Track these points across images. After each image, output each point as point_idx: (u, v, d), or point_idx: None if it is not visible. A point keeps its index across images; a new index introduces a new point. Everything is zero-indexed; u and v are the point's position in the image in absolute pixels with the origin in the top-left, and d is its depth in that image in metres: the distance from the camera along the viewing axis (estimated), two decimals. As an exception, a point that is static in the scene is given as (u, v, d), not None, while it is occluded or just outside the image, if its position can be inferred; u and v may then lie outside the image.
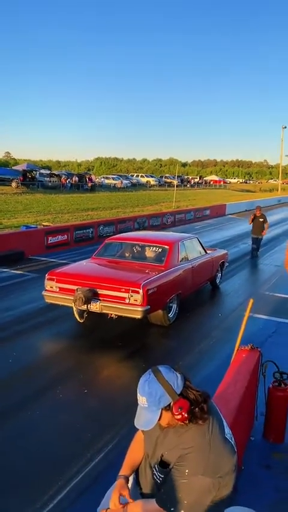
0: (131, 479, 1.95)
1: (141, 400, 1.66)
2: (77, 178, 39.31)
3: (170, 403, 1.64)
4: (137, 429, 2.06)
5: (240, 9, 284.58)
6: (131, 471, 1.96)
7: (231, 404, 2.71)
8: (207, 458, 1.64)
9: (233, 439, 1.81)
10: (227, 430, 1.80)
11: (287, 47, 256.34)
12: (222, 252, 8.78)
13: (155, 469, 1.79)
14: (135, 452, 1.98)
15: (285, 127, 54.52)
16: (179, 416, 1.63)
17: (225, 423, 1.81)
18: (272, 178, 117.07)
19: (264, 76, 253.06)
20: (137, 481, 1.96)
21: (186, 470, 1.64)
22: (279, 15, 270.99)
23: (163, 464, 1.75)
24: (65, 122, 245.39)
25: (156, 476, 1.79)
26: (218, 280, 8.43)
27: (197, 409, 1.64)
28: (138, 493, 1.92)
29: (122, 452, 2.10)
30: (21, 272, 9.35)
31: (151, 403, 1.64)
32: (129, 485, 1.95)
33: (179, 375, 1.68)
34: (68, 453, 3.33)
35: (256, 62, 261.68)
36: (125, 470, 1.97)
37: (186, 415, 1.63)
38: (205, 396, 1.71)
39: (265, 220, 11.77)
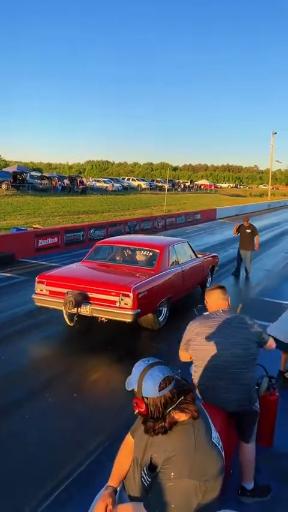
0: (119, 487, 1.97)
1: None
2: (68, 181, 39.23)
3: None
4: (126, 433, 2.08)
5: (234, 16, 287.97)
6: (118, 481, 1.98)
7: (221, 413, 2.72)
8: (193, 461, 1.65)
9: (220, 443, 1.82)
10: (215, 434, 1.81)
11: (278, 54, 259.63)
12: (213, 256, 8.83)
13: (144, 472, 1.79)
14: (124, 460, 1.98)
15: (276, 133, 55.21)
16: (135, 411, 1.70)
17: (212, 427, 1.82)
18: (262, 184, 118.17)
19: (255, 82, 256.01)
20: (124, 485, 1.97)
21: (172, 473, 1.65)
22: (275, 19, 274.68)
23: (152, 468, 1.75)
24: (56, 125, 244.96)
25: (144, 479, 1.79)
26: (208, 284, 8.47)
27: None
28: (126, 496, 1.93)
29: (112, 456, 2.10)
30: (11, 275, 9.29)
31: (129, 379, 1.75)
32: (118, 490, 1.96)
33: (166, 387, 1.65)
34: (58, 457, 3.32)
35: (248, 67, 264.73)
36: (113, 480, 1.99)
37: (140, 411, 1.68)
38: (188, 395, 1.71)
39: (254, 232, 10.00)
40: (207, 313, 2.97)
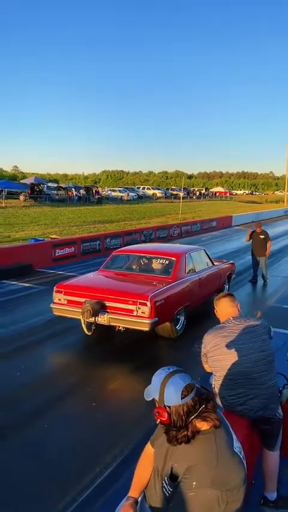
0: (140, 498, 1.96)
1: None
2: (84, 191, 39.70)
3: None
4: (146, 443, 2.07)
5: (247, 21, 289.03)
6: (139, 492, 1.98)
7: (243, 421, 2.69)
8: (215, 471, 1.63)
9: (242, 453, 1.80)
10: (236, 443, 1.79)
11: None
12: (229, 263, 8.77)
13: (165, 482, 1.78)
14: (144, 470, 1.98)
15: (291, 138, 54.66)
16: (157, 420, 1.69)
17: (234, 437, 1.80)
18: (278, 190, 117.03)
19: (271, 86, 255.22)
20: (145, 495, 1.96)
21: (194, 483, 1.63)
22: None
23: (173, 477, 1.74)
24: (72, 136, 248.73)
25: (165, 489, 1.78)
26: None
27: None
28: (147, 506, 1.92)
29: (131, 466, 2.10)
30: (29, 285, 9.41)
31: (149, 389, 1.73)
32: (139, 500, 1.96)
33: (189, 395, 1.65)
34: (77, 467, 3.32)
35: (260, 73, 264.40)
36: (134, 491, 1.98)
37: (162, 420, 1.67)
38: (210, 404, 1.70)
39: (267, 238, 9.94)
40: (220, 324, 2.95)
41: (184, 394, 1.65)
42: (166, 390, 1.66)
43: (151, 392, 1.72)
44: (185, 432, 1.67)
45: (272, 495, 2.91)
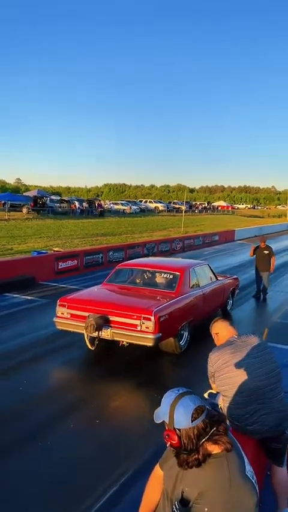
0: None
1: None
2: (86, 204, 39.91)
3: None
4: (154, 465, 2.02)
5: (250, 37, 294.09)
6: None
7: (251, 441, 2.64)
8: (227, 496, 1.58)
9: (254, 477, 1.75)
10: (248, 467, 1.74)
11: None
12: (233, 278, 8.74)
13: (175, 506, 1.73)
14: (153, 493, 1.92)
15: (293, 154, 55.09)
16: (167, 443, 1.64)
17: (246, 460, 1.76)
18: (280, 204, 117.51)
19: (269, 104, 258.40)
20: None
21: (206, 509, 1.58)
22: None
23: (184, 502, 1.69)
24: (74, 149, 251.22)
25: (176, 514, 1.73)
26: (229, 307, 8.36)
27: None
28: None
29: (136, 486, 2.05)
30: (32, 298, 9.38)
31: (158, 411, 1.68)
32: None
33: (199, 417, 1.60)
34: (80, 486, 3.25)
35: (262, 90, 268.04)
36: None
37: (172, 443, 1.62)
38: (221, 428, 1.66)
39: (271, 253, 9.81)
40: (224, 342, 2.93)
41: (194, 416, 1.61)
42: (176, 413, 1.62)
43: (160, 414, 1.68)
44: (196, 456, 1.62)
45: None
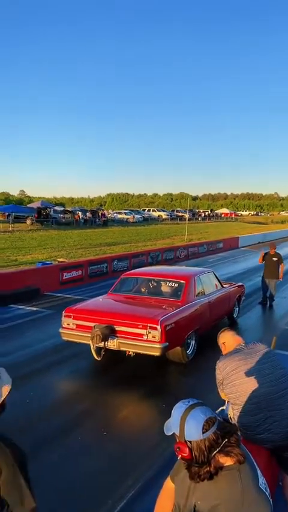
0: None
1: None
2: (90, 214, 40.10)
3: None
4: (163, 477, 1.99)
5: (259, 45, 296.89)
6: None
7: (262, 450, 2.59)
8: (241, 510, 1.55)
9: (268, 489, 1.71)
10: (262, 479, 1.70)
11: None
12: (239, 285, 8.69)
13: (188, 520, 1.69)
14: (165, 506, 1.89)
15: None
16: (178, 456, 1.62)
17: (259, 472, 1.72)
18: (283, 210, 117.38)
19: (273, 109, 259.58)
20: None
21: None
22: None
23: (197, 516, 1.65)
24: (77, 160, 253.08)
25: (188, 528, 1.69)
26: (235, 315, 8.30)
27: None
28: None
29: (146, 499, 2.01)
30: (37, 309, 9.36)
31: (168, 423, 1.67)
32: None
33: (210, 429, 1.58)
34: (90, 499, 3.20)
35: (264, 96, 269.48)
36: None
37: (184, 456, 1.60)
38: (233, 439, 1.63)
39: (280, 260, 9.73)
40: (232, 350, 2.91)
41: (205, 428, 1.58)
42: (186, 425, 1.60)
43: (171, 426, 1.65)
44: (208, 468, 1.59)
45: None
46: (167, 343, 5.34)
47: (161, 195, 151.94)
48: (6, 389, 1.70)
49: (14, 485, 1.60)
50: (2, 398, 1.68)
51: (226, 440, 1.61)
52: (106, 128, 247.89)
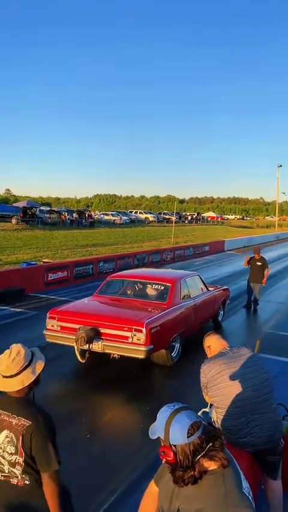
0: None
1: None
2: (76, 215, 39.88)
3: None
4: (147, 480, 1.98)
5: (241, 52, 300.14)
6: None
7: (245, 454, 2.61)
8: None
9: (251, 493, 1.72)
10: (245, 483, 1.71)
11: (284, 83, 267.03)
12: (224, 288, 8.75)
13: (171, 525, 1.68)
14: (148, 510, 1.88)
15: (281, 166, 56.12)
16: (163, 460, 1.61)
17: (242, 476, 1.72)
18: (268, 215, 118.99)
19: (260, 115, 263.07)
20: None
21: None
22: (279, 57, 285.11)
23: (180, 519, 1.65)
24: (64, 159, 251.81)
25: (171, 532, 1.68)
26: (220, 318, 8.35)
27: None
28: None
29: (129, 503, 2.00)
30: (21, 310, 9.26)
31: (153, 427, 1.65)
32: None
33: (195, 433, 1.57)
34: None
35: (252, 100, 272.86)
36: None
37: (168, 460, 1.58)
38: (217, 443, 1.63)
39: (264, 265, 9.84)
40: (216, 353, 2.93)
41: (190, 432, 1.58)
42: (171, 429, 1.59)
43: (156, 430, 1.64)
44: (192, 472, 1.59)
45: None
46: (152, 346, 5.33)
47: (149, 197, 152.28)
48: (40, 365, 2.05)
49: (43, 449, 1.89)
50: (38, 373, 2.00)
51: (210, 444, 1.61)
52: (94, 128, 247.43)
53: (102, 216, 48.77)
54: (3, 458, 1.95)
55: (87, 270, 13.92)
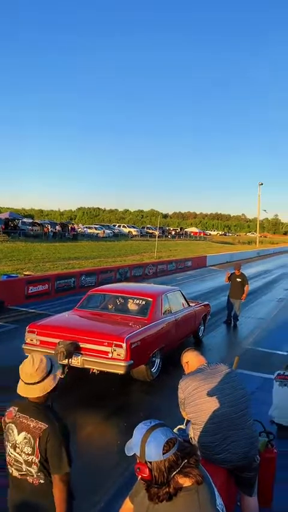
0: None
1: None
2: (59, 228, 39.70)
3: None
4: (123, 496, 1.98)
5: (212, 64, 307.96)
6: None
7: (220, 470, 2.62)
8: None
9: (224, 510, 1.74)
10: (219, 500, 1.73)
11: (263, 105, 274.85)
12: (204, 304, 8.82)
13: None
14: None
15: (262, 184, 57.29)
16: (138, 476, 1.62)
17: (216, 492, 1.74)
18: (250, 231, 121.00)
19: (242, 135, 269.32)
20: None
21: None
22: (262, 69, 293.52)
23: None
24: (47, 172, 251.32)
25: None
26: (201, 333, 8.40)
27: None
28: None
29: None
30: (1, 323, 9.10)
31: (130, 443, 1.66)
32: None
33: (170, 450, 1.58)
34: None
35: (231, 120, 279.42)
36: None
37: (143, 476, 1.59)
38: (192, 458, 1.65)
39: (244, 282, 9.94)
40: (194, 370, 2.96)
41: (166, 449, 1.60)
42: (147, 446, 1.61)
43: (132, 447, 1.65)
44: (167, 489, 1.60)
45: None
46: (132, 361, 5.32)
47: (132, 211, 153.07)
48: (59, 373, 2.18)
49: (57, 452, 2.05)
50: (57, 381, 2.15)
51: (185, 461, 1.63)
52: (79, 140, 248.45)
53: (85, 229, 48.66)
54: (21, 457, 2.11)
55: (68, 283, 13.82)
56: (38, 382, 2.12)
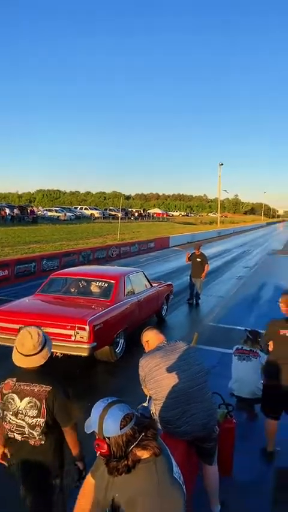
0: None
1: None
2: (18, 211, 38.50)
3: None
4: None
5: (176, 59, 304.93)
6: None
7: (180, 443, 2.73)
8: (156, 500, 1.63)
9: (181, 478, 1.82)
10: (176, 469, 1.80)
11: (228, 84, 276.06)
12: (167, 284, 8.96)
13: (106, 514, 1.74)
14: (85, 502, 1.92)
15: (222, 164, 58.03)
16: (98, 452, 1.67)
17: (174, 462, 1.82)
18: (211, 212, 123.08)
19: (203, 115, 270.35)
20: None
21: None
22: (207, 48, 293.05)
23: (114, 508, 1.71)
24: (5, 153, 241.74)
25: (107, 523, 1.74)
26: (164, 313, 8.55)
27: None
28: None
29: (71, 500, 2.03)
30: None
31: (89, 421, 1.70)
32: None
33: (127, 425, 1.63)
34: (9, 496, 3.11)
35: (193, 102, 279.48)
36: None
37: (102, 452, 1.64)
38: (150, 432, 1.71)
39: (204, 261, 10.22)
40: (153, 348, 3.03)
41: (123, 424, 1.64)
42: (105, 422, 1.65)
43: (91, 424, 1.69)
44: (126, 462, 1.65)
45: (217, 508, 3.06)
46: (96, 343, 5.35)
47: (94, 193, 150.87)
48: (51, 342, 2.53)
49: (64, 408, 2.37)
50: (51, 348, 2.50)
51: (143, 434, 1.69)
52: (38, 119, 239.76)
53: (45, 212, 47.53)
54: (24, 421, 2.33)
55: (29, 268, 13.55)
56: (39, 352, 2.39)
